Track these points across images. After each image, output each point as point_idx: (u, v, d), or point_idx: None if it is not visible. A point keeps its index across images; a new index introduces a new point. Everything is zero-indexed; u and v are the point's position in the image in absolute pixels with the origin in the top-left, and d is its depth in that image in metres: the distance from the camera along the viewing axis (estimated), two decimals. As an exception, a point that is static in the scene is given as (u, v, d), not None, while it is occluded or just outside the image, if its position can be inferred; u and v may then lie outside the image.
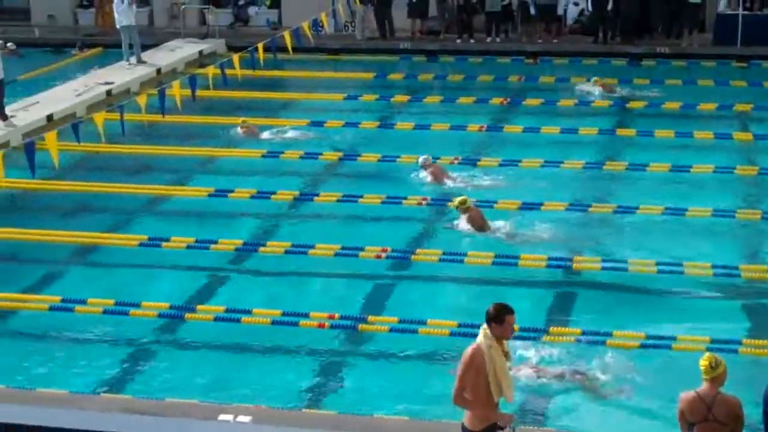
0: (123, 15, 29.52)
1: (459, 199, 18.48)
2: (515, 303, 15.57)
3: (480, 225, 18.28)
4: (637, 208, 19.18)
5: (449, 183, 20.83)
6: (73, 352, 14.77)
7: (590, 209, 19.35)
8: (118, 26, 29.99)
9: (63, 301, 15.81)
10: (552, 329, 14.62)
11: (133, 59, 30.08)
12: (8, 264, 17.97)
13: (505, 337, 10.13)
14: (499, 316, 10.05)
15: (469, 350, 10.10)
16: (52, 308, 15.70)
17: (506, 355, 10.20)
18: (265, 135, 24.55)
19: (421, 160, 21.17)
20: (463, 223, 18.35)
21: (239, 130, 24.56)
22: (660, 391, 12.98)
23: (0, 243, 18.57)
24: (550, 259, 17.09)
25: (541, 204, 19.32)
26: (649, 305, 15.77)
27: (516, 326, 10.37)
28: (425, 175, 21.03)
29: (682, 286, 16.29)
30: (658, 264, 16.74)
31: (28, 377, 13.88)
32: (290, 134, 24.55)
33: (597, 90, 27.49)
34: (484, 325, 10.11)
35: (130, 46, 30.08)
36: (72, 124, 21.01)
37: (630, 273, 16.59)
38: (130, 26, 29.79)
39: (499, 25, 33.12)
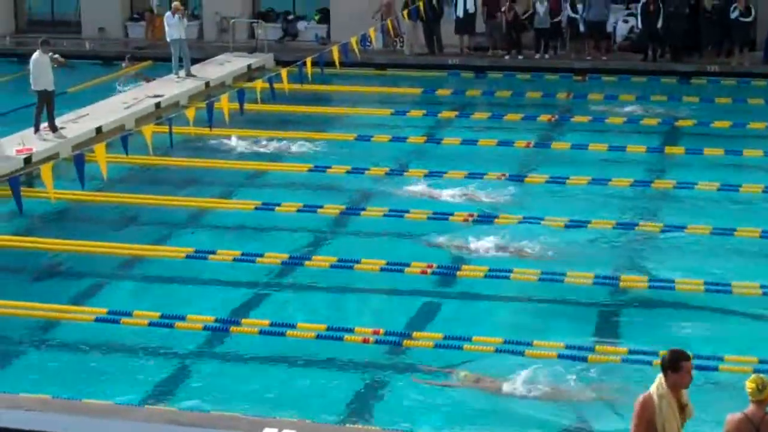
0: (173, 28, 29.68)
1: None
2: (560, 320, 15.84)
3: None
4: (684, 227, 19.04)
5: None
6: (118, 363, 14.84)
7: (637, 227, 19.24)
8: (168, 39, 30.16)
9: (109, 313, 15.86)
10: (598, 348, 14.53)
11: (182, 72, 30.24)
12: (56, 275, 18.11)
13: (682, 385, 9.53)
14: (675, 362, 9.46)
15: (640, 398, 9.56)
16: (98, 320, 15.76)
17: (684, 408, 9.60)
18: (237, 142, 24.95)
19: None
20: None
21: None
22: (706, 411, 12.86)
23: (48, 254, 18.70)
24: (596, 276, 17.00)
25: (588, 221, 19.23)
26: (696, 325, 15.63)
27: (691, 372, 9.54)
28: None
29: (729, 306, 16.17)
30: (705, 283, 16.61)
31: (74, 388, 13.92)
32: (268, 146, 24.80)
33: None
34: (660, 374, 9.57)
35: (180, 60, 30.26)
36: (121, 137, 21.17)
37: (677, 292, 16.48)
38: (180, 39, 29.95)
39: (548, 41, 33.03)
